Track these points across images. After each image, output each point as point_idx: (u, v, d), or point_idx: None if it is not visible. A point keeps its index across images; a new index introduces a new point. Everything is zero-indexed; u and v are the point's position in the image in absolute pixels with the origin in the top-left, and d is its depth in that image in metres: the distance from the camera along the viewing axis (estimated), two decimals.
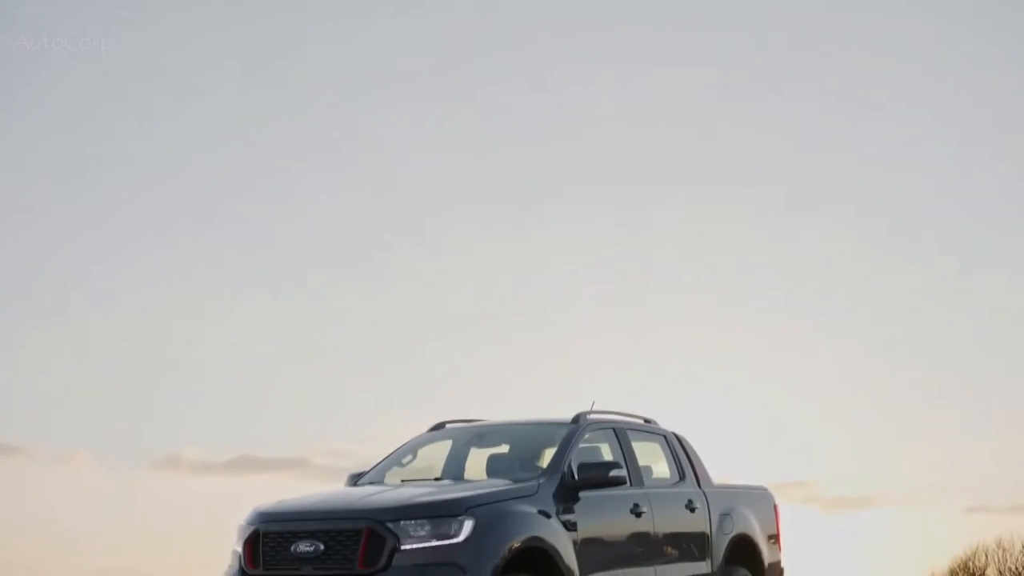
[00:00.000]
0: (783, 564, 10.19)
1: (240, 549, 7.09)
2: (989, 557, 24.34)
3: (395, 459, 8.75)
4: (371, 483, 8.32)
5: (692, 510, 8.91)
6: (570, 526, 7.41)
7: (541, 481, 7.48)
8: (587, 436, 8.24)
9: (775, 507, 10.21)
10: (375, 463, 8.76)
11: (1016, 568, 23.93)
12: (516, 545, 6.86)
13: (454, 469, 8.51)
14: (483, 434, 8.79)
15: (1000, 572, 24.14)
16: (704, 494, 9.19)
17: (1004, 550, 24.25)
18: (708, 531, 9.05)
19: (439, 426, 9.11)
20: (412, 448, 8.86)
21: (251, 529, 7.06)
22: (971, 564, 24.31)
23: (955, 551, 25.03)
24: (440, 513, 6.75)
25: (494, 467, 8.21)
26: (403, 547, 6.61)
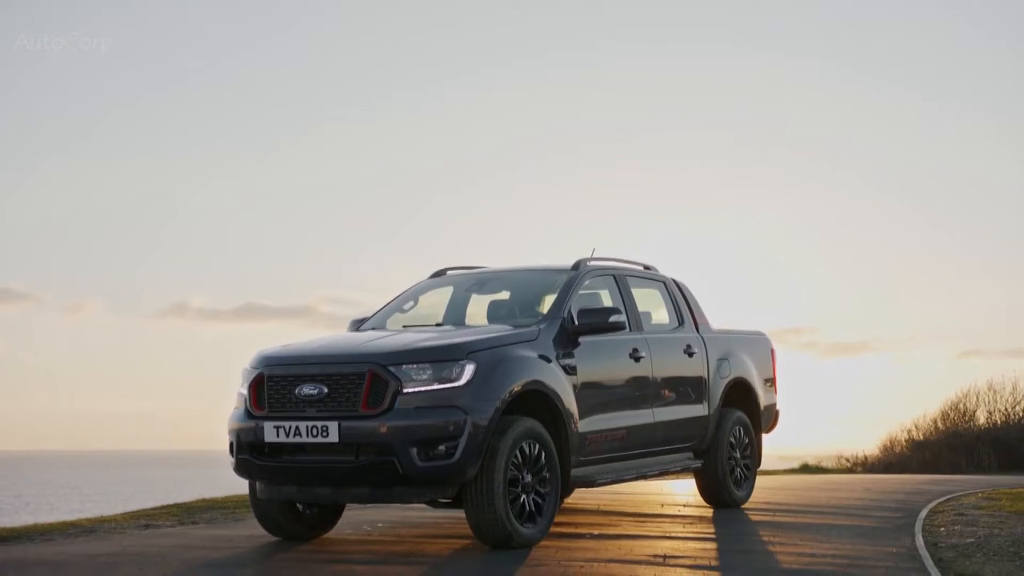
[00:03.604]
0: (779, 407, 10.38)
1: (245, 392, 7.19)
2: (980, 399, 24.79)
3: (397, 305, 8.81)
4: (373, 328, 8.40)
5: (690, 355, 9.02)
6: (570, 370, 7.51)
7: (541, 326, 7.54)
8: (587, 282, 8.28)
9: (772, 351, 10.33)
10: (377, 309, 8.83)
11: (1005, 409, 24.41)
12: (516, 388, 6.96)
13: (455, 315, 8.58)
14: (484, 281, 8.83)
15: (990, 413, 24.62)
16: (702, 339, 9.29)
17: (995, 392, 24.69)
18: (705, 375, 9.18)
19: (440, 273, 9.14)
20: (414, 294, 8.91)
21: (256, 372, 7.15)
22: (962, 406, 24.79)
23: (947, 394, 25.52)
24: (442, 357, 6.82)
25: (495, 313, 8.28)
26: (405, 390, 6.70)
